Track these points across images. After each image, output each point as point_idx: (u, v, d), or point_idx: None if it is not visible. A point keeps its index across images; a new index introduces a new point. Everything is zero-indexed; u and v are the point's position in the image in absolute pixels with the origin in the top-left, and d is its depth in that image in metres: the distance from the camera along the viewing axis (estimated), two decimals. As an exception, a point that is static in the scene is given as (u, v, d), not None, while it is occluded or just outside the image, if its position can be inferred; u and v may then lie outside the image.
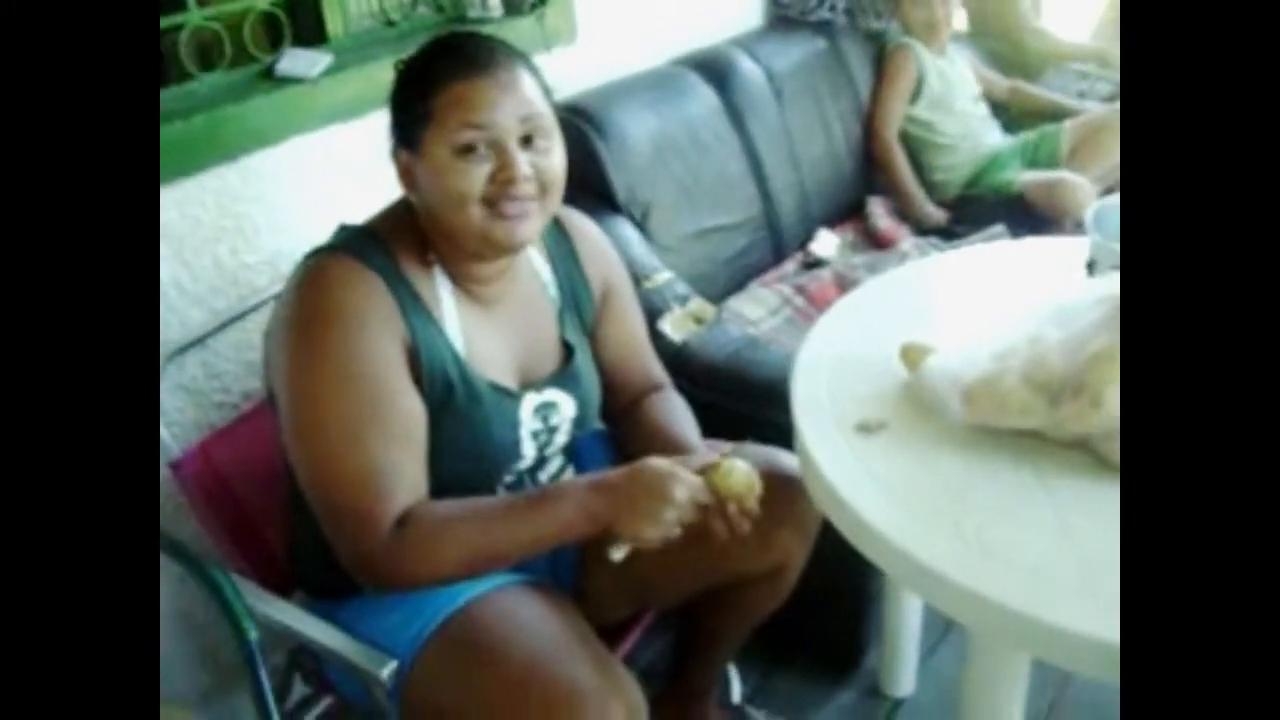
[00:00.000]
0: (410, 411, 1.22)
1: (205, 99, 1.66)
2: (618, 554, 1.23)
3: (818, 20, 2.76)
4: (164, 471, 1.55)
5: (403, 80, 1.28)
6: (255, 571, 1.49)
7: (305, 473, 1.22)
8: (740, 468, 1.26)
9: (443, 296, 1.29)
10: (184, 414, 1.68)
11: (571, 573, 1.49)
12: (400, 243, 1.28)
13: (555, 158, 1.27)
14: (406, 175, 1.28)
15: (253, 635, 1.28)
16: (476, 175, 1.21)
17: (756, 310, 2.28)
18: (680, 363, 1.82)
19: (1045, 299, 1.36)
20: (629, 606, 1.52)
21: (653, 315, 1.88)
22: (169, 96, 1.66)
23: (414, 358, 1.24)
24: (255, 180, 1.70)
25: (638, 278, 1.92)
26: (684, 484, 1.21)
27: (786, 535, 1.43)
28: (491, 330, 1.34)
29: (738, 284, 2.36)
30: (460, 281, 1.31)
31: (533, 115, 1.23)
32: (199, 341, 1.64)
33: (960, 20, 3.16)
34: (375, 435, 1.18)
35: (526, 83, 1.25)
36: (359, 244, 1.26)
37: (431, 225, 1.27)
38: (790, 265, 2.49)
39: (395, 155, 1.28)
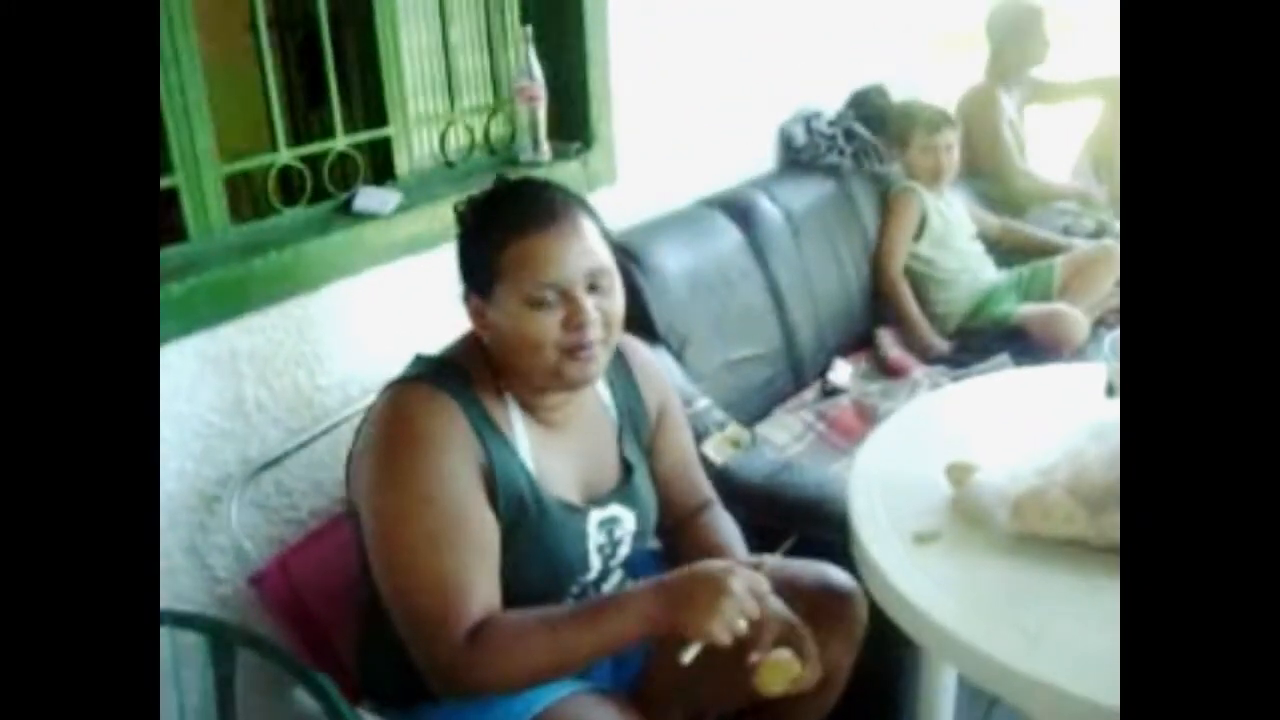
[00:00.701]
0: (485, 528, 1.28)
1: (290, 232, 1.76)
2: (688, 655, 1.24)
3: (826, 164, 2.92)
4: (243, 585, 1.63)
5: (469, 230, 1.34)
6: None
7: (387, 584, 1.27)
8: (781, 659, 1.31)
9: (514, 420, 1.36)
10: (258, 530, 1.72)
11: (634, 679, 1.54)
12: (475, 372, 1.34)
13: (617, 298, 1.34)
14: (479, 317, 1.34)
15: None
16: (549, 324, 1.28)
17: (783, 436, 2.37)
18: (722, 483, 1.85)
19: (1080, 419, 1.48)
20: (685, 713, 1.56)
21: (696, 438, 1.93)
22: (261, 229, 1.77)
23: (489, 478, 1.30)
24: (332, 308, 1.78)
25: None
26: (740, 576, 1.23)
27: (837, 646, 1.46)
28: (559, 451, 1.40)
29: (763, 411, 2.45)
30: (530, 408, 1.38)
31: (597, 266, 1.30)
32: (277, 461, 1.70)
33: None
34: (453, 550, 1.24)
35: (588, 231, 1.31)
36: (437, 373, 1.33)
37: (504, 361, 1.34)
38: (810, 393, 2.59)
39: (466, 299, 1.35)
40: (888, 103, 3.24)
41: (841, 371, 2.68)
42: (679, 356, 2.22)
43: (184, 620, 1.38)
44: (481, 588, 1.26)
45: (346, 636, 1.57)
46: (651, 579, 1.29)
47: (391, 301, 1.88)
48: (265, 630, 1.64)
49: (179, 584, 1.65)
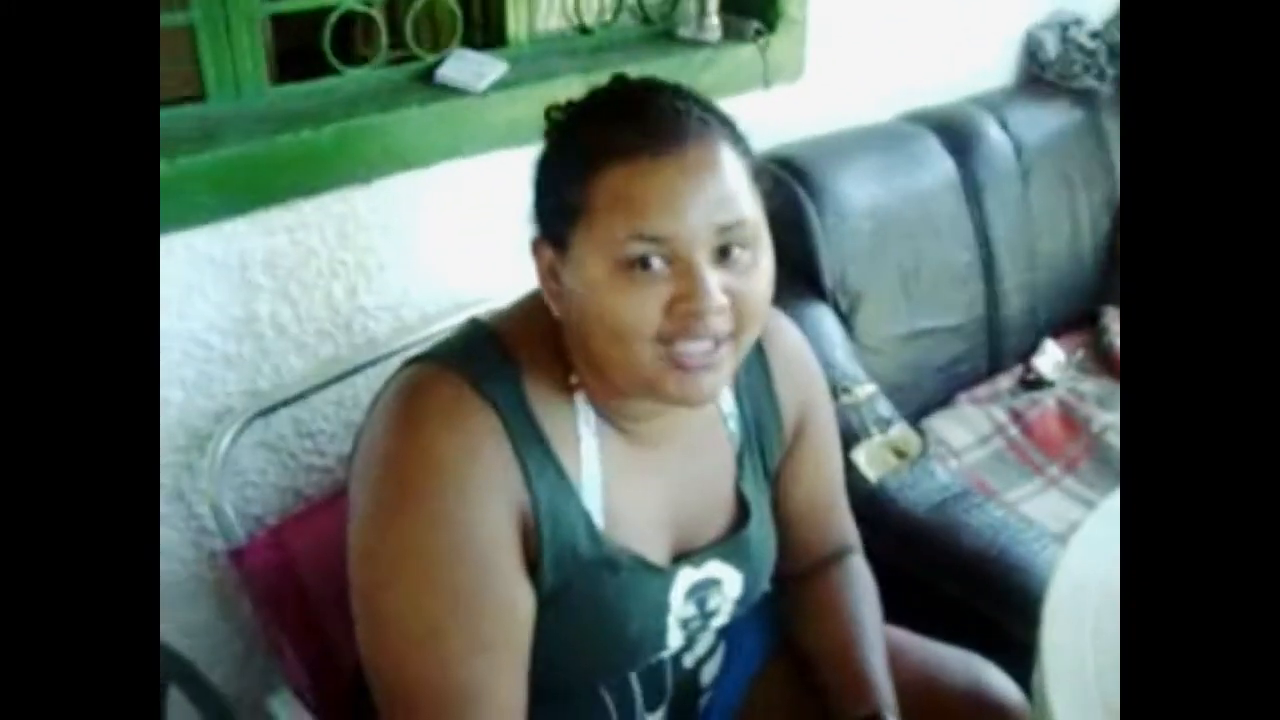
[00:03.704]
0: (512, 608, 0.97)
1: (343, 102, 1.42)
2: None
3: (1079, 88, 2.41)
4: (222, 556, 1.38)
5: (552, 144, 0.99)
6: (313, 692, 1.29)
7: (369, 665, 0.98)
8: None
9: (583, 435, 1.02)
10: (265, 477, 1.46)
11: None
12: (532, 359, 1.00)
13: (760, 277, 0.95)
14: (549, 277, 0.98)
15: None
16: (647, 302, 0.90)
17: (963, 435, 1.96)
18: (871, 508, 1.53)
19: None
20: None
21: (846, 440, 1.59)
22: (300, 93, 1.43)
23: (529, 528, 0.98)
24: (388, 208, 1.45)
25: (835, 388, 1.64)
26: None
27: None
28: (643, 480, 1.07)
29: (943, 397, 2.05)
30: (610, 413, 1.03)
31: (733, 220, 0.92)
32: (300, 396, 1.41)
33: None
34: (461, 640, 0.94)
35: (727, 168, 0.93)
36: (477, 360, 0.99)
37: (577, 346, 0.99)
38: (1006, 381, 2.16)
39: (535, 249, 1.00)
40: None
41: (1050, 357, 2.21)
42: (846, 321, 1.84)
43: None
44: (496, 695, 0.95)
45: (352, 640, 1.25)
46: None
47: (472, 207, 1.54)
48: (245, 613, 1.45)
49: (160, 537, 1.40)
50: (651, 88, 0.98)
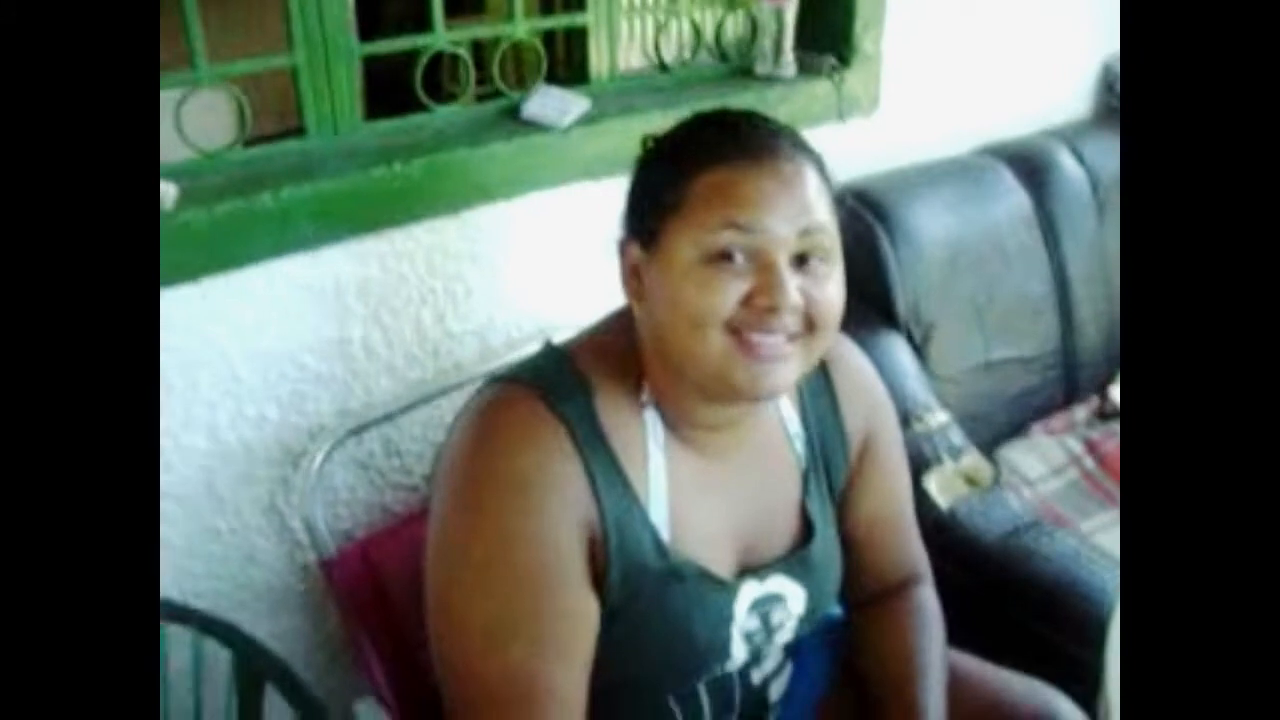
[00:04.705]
0: (577, 615, 1.01)
1: (433, 138, 1.48)
2: None
3: None
4: (313, 567, 1.44)
5: (649, 158, 1.06)
6: (396, 699, 1.31)
7: (439, 663, 1.02)
8: None
9: (651, 452, 1.06)
10: (354, 493, 1.51)
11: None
12: (605, 377, 1.05)
13: (833, 288, 1.01)
14: (633, 279, 1.04)
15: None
16: (727, 291, 0.95)
17: (1037, 466, 1.93)
18: (941, 535, 1.54)
19: None
20: None
21: (917, 467, 1.61)
22: (392, 129, 1.49)
23: (597, 541, 1.02)
24: (475, 238, 1.50)
25: (907, 416, 1.66)
26: None
27: None
28: (710, 494, 1.10)
29: (1019, 427, 2.02)
30: (679, 426, 1.07)
31: (815, 227, 0.98)
32: (389, 417, 1.46)
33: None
34: (525, 644, 0.98)
35: (813, 184, 1.00)
36: (552, 380, 1.04)
37: (654, 348, 1.04)
38: (1082, 412, 2.12)
39: (622, 250, 1.06)
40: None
41: None
42: (919, 351, 1.84)
43: (209, 626, 1.25)
44: (557, 695, 0.98)
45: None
46: None
47: (555, 237, 1.59)
48: (332, 622, 1.50)
49: (254, 547, 1.46)
50: (748, 115, 1.05)
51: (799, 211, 0.97)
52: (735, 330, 0.96)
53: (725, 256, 0.95)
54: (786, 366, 0.98)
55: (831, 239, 1.00)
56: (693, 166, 0.98)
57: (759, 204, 0.95)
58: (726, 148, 0.98)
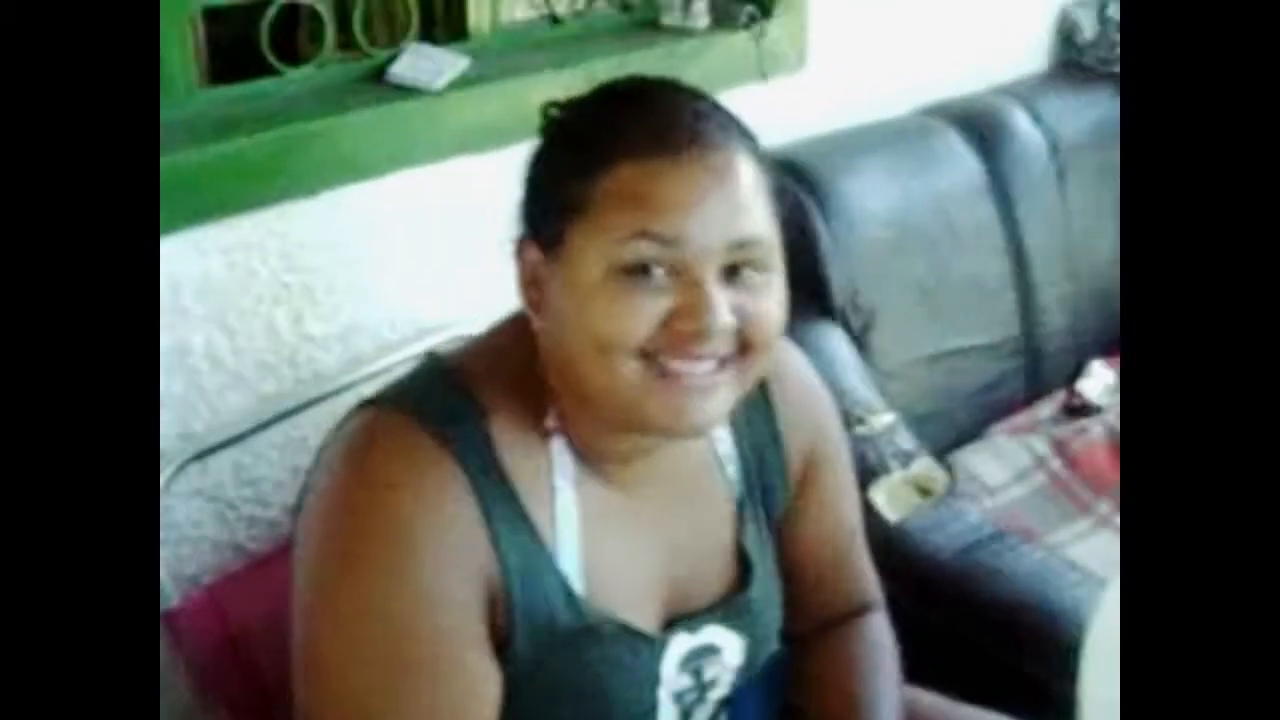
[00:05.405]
0: (474, 684, 0.98)
1: (284, 105, 1.46)
2: None
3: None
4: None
5: (552, 139, 1.02)
6: None
7: None
8: None
9: (559, 487, 1.03)
10: (200, 530, 1.49)
11: None
12: (501, 398, 1.02)
13: (772, 302, 0.97)
14: (532, 286, 1.01)
15: None
16: (639, 311, 0.92)
17: (999, 472, 1.98)
18: (891, 554, 1.54)
19: None
20: None
21: (862, 476, 1.63)
22: (235, 96, 1.46)
23: (498, 598, 0.99)
24: (337, 224, 1.49)
25: (848, 417, 1.67)
26: None
27: None
28: (630, 536, 1.08)
29: (977, 427, 2.09)
30: (591, 459, 1.05)
31: (749, 239, 0.94)
32: (239, 439, 1.44)
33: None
34: (411, 717, 0.96)
35: (746, 179, 0.96)
36: (436, 402, 1.00)
37: (558, 369, 1.00)
38: (1048, 408, 2.20)
39: (519, 251, 1.02)
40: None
41: (1098, 380, 2.24)
42: (859, 341, 1.89)
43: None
44: None
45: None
46: None
47: (431, 221, 1.59)
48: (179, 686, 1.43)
49: None
50: (668, 87, 1.02)
51: (729, 217, 0.93)
52: (652, 356, 0.93)
53: (641, 270, 0.92)
54: (716, 397, 0.96)
55: (769, 247, 0.97)
56: (599, 159, 0.94)
57: (679, 209, 0.92)
58: (639, 136, 0.94)
